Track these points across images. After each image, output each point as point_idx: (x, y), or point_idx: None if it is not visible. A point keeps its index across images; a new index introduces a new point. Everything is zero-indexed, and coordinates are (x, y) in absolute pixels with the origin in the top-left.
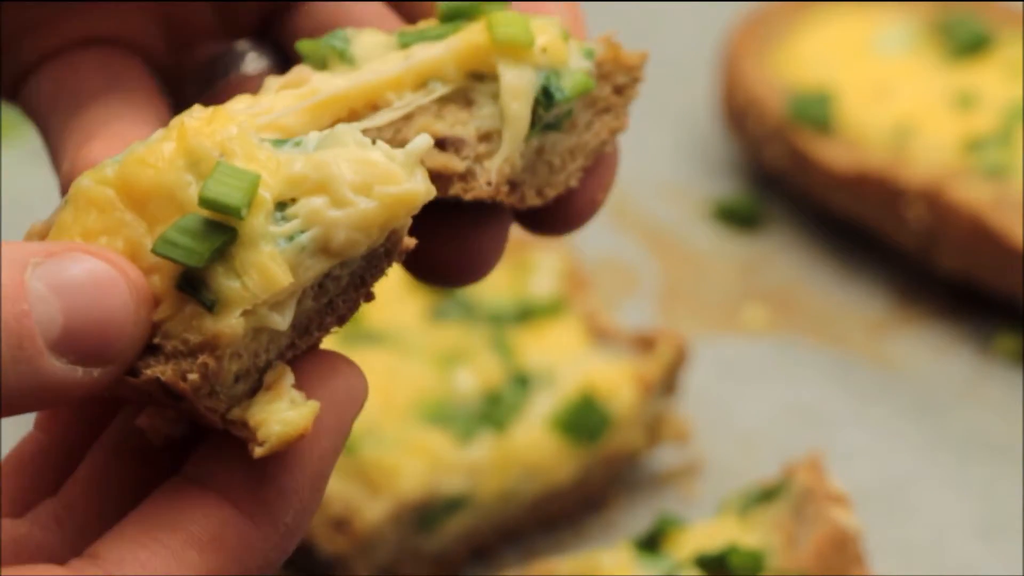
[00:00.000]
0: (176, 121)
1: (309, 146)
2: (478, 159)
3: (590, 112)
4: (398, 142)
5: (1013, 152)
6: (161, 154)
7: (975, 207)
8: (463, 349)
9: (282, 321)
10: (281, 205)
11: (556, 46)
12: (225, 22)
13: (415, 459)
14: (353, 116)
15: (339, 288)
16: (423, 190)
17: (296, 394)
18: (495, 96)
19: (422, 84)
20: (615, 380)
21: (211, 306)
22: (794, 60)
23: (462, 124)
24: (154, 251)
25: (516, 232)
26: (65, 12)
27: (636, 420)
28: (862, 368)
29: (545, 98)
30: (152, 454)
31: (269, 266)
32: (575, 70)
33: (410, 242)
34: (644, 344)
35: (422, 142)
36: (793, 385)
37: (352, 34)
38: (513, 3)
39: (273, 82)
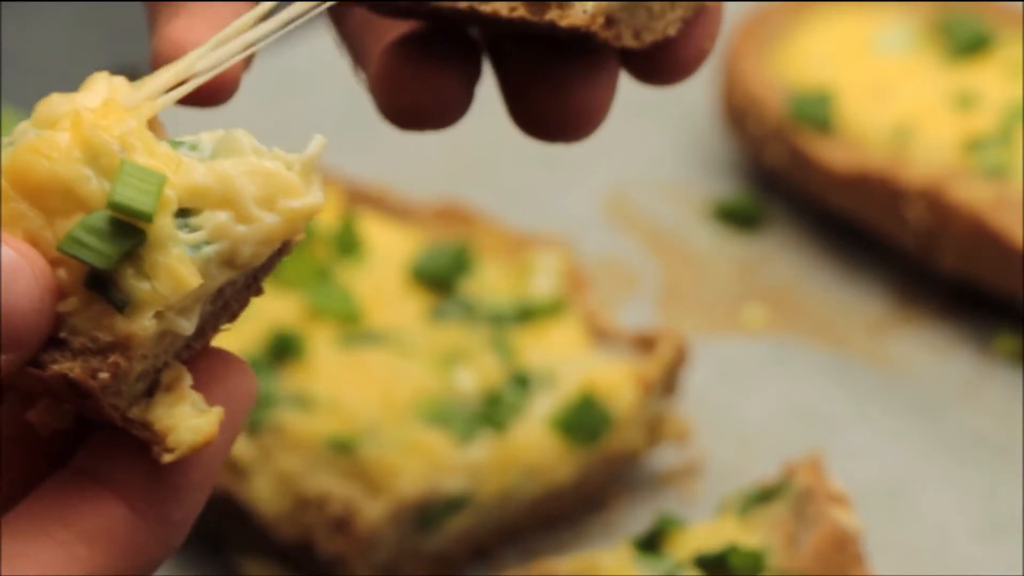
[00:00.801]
0: (69, 110)
1: (205, 150)
2: None
3: None
4: None
5: (1013, 152)
6: (56, 145)
7: (975, 207)
8: (463, 349)
9: (188, 326)
10: (184, 212)
11: None
12: None
13: (415, 459)
14: None
15: (234, 290)
16: (321, 201)
17: (197, 397)
18: None
19: None
20: (615, 380)
21: (122, 307)
22: (794, 60)
23: None
24: (60, 249)
25: (516, 232)
26: None
27: (636, 420)
28: (862, 368)
29: None
30: (39, 445)
31: (179, 269)
32: None
33: (300, 236)
34: (644, 344)
35: (316, 147)
36: (793, 385)
37: None
38: None
39: None
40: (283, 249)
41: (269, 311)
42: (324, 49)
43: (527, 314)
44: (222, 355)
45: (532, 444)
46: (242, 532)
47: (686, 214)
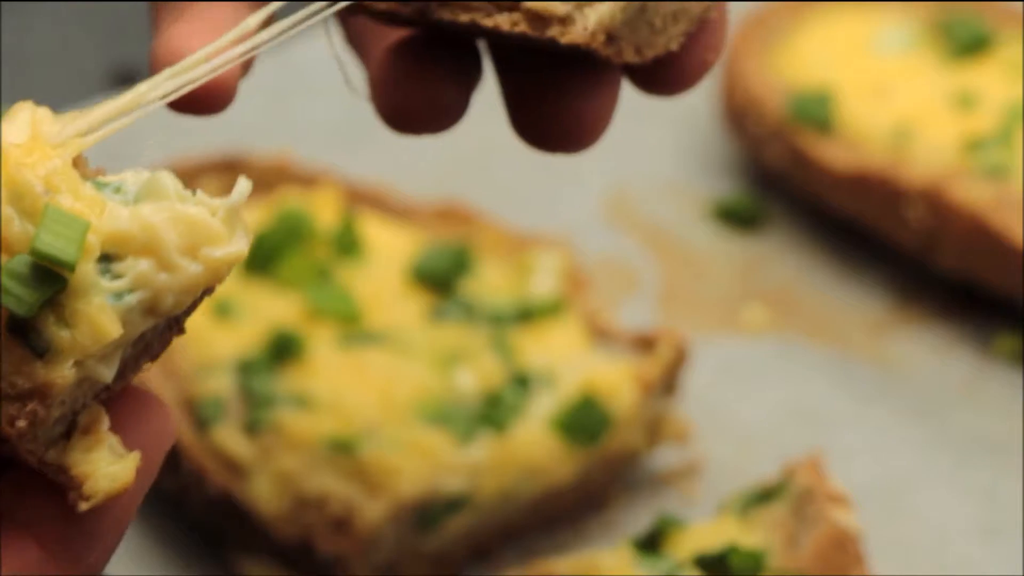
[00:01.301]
0: None
1: (129, 193)
2: (579, 5)
3: None
4: None
5: (1013, 152)
6: None
7: (975, 207)
8: (463, 349)
9: (108, 373)
10: (106, 257)
11: None
12: None
13: (415, 459)
14: None
15: (156, 333)
16: (245, 250)
17: (114, 441)
18: None
19: None
20: (615, 380)
21: (41, 353)
22: (794, 60)
23: None
24: None
25: (516, 232)
26: None
27: (636, 420)
28: (862, 368)
29: None
30: None
31: (100, 318)
32: None
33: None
34: (644, 344)
35: (240, 193)
36: (793, 385)
37: None
38: None
39: None
40: (206, 292)
41: (269, 311)
42: (324, 49)
43: (527, 314)
44: (141, 395)
45: (532, 444)
46: (242, 532)
47: (686, 214)
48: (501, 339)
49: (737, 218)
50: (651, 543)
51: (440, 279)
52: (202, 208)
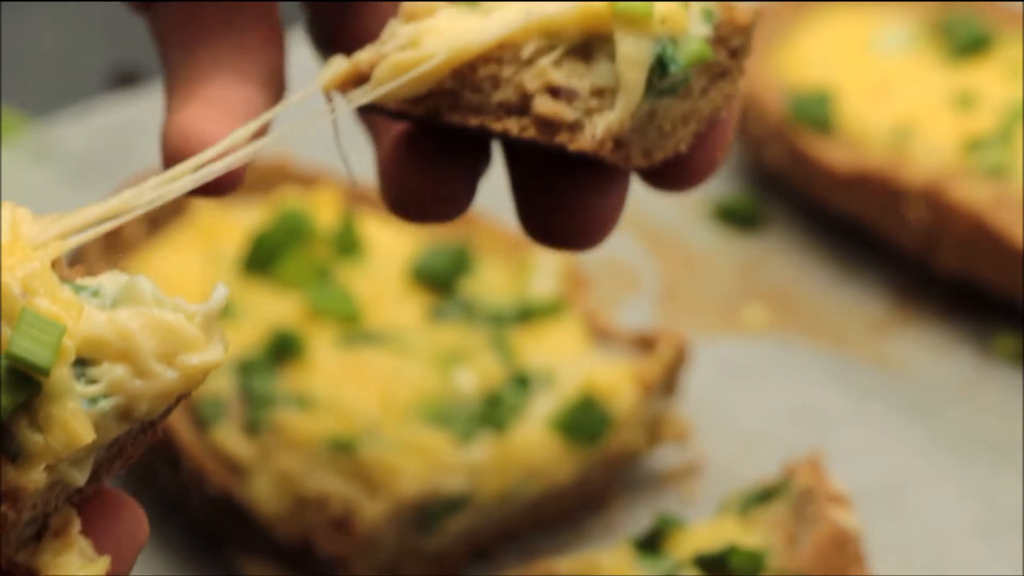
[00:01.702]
0: None
1: (107, 297)
2: (588, 112)
3: (705, 78)
4: (516, 85)
5: (1013, 152)
6: None
7: (975, 207)
8: (463, 349)
9: (81, 477)
10: (82, 361)
11: (675, 15)
12: None
13: (415, 459)
14: (477, 59)
15: (130, 437)
16: (221, 357)
17: (84, 544)
18: (613, 56)
19: (543, 35)
20: (615, 380)
21: (14, 457)
22: (794, 60)
23: (578, 76)
24: None
25: (516, 232)
26: None
27: (636, 420)
28: (862, 368)
29: (660, 67)
30: None
31: (73, 424)
32: (693, 38)
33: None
34: (644, 344)
35: (218, 299)
36: (793, 385)
37: None
38: None
39: (408, 5)
40: (181, 398)
41: (269, 311)
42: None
43: (527, 314)
44: (114, 497)
45: (532, 444)
46: (242, 532)
47: (686, 214)
48: (501, 339)
49: (737, 218)
50: (651, 543)
51: (440, 279)
52: (179, 314)
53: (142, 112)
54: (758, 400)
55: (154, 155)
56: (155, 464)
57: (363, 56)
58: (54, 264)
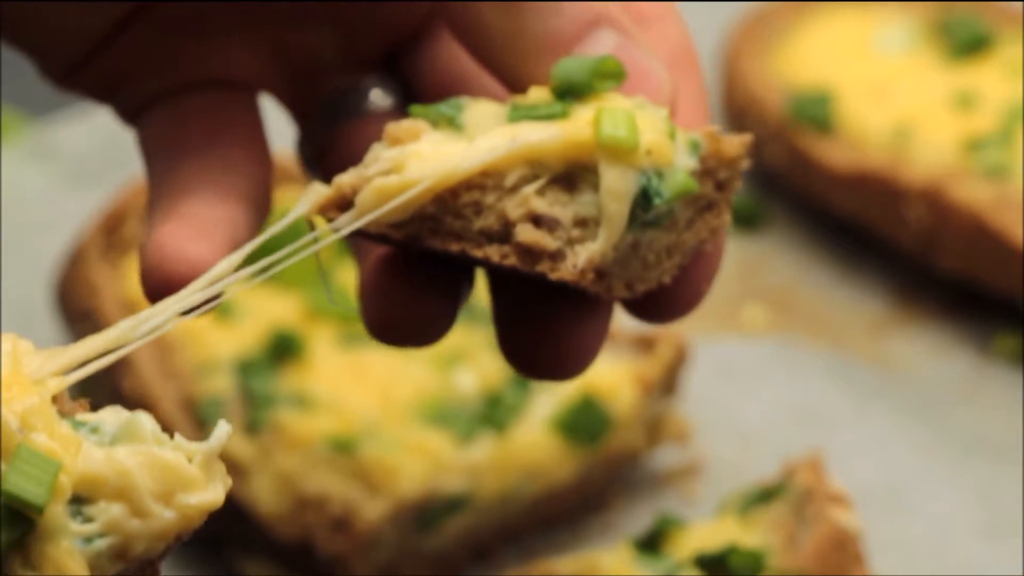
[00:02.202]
0: None
1: (106, 433)
2: (570, 242)
3: (691, 210)
4: (498, 212)
5: (1013, 152)
6: None
7: (975, 207)
8: (463, 349)
9: None
10: (78, 499)
11: (661, 147)
12: (345, 56)
13: (415, 459)
14: (460, 186)
15: (128, 573)
16: (220, 498)
17: None
18: (597, 186)
19: (527, 163)
20: (615, 381)
21: None
22: (794, 60)
23: (561, 205)
24: None
25: None
26: (180, 52)
27: (636, 420)
28: (862, 368)
29: (644, 199)
30: None
31: (66, 563)
32: (679, 170)
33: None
34: (644, 344)
35: (219, 437)
36: (793, 385)
37: (466, 103)
38: (626, 75)
39: (392, 128)
40: (179, 539)
41: (269, 311)
42: None
43: None
44: None
45: (532, 445)
46: (242, 532)
47: None
48: None
49: (737, 218)
50: (651, 543)
51: None
52: (179, 453)
53: None
54: (758, 400)
55: None
56: None
57: (345, 179)
58: (55, 398)
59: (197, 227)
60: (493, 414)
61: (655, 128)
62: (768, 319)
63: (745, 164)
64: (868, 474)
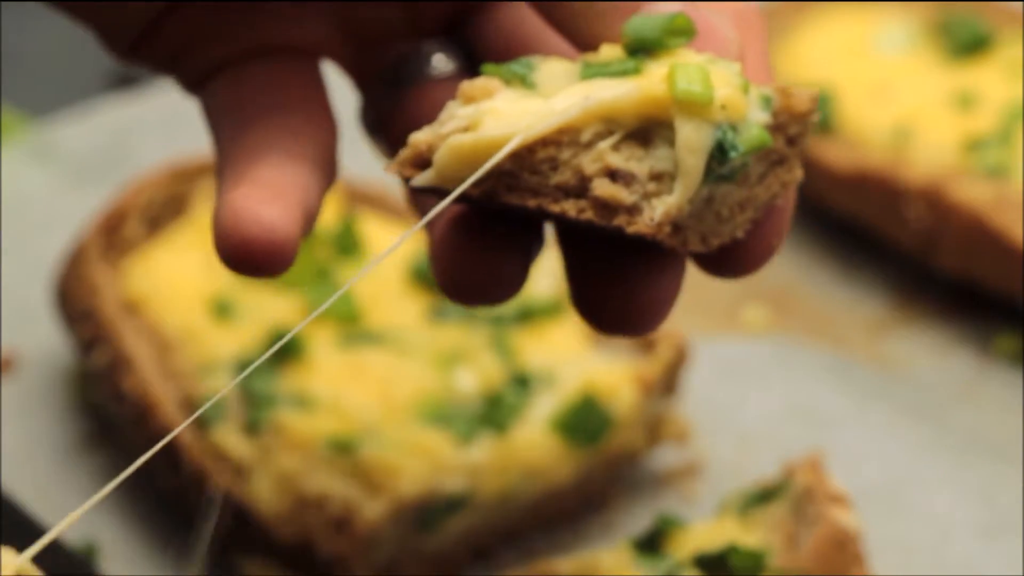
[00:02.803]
0: None
1: None
2: (646, 196)
3: (763, 164)
4: (574, 168)
5: (1013, 152)
6: None
7: (975, 207)
8: (463, 349)
9: None
10: None
11: (735, 101)
12: (411, 23)
13: (415, 459)
14: (536, 142)
15: None
16: None
17: None
18: (671, 141)
19: (602, 120)
20: (615, 381)
21: None
22: (794, 60)
23: (636, 160)
24: None
25: None
26: (243, 20)
27: (636, 420)
28: (862, 368)
29: (720, 153)
30: None
31: None
32: (752, 124)
33: None
34: (644, 344)
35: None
36: (793, 385)
37: (537, 62)
38: (694, 20)
39: (466, 86)
40: None
41: (269, 311)
42: None
43: (527, 314)
44: None
45: (532, 445)
46: (242, 532)
47: None
48: (501, 339)
49: None
50: (651, 543)
51: None
52: None
53: (142, 112)
54: (758, 400)
55: (154, 155)
56: (155, 464)
57: (421, 137)
58: None
59: (269, 190)
60: (493, 414)
61: (729, 83)
62: (768, 319)
63: (815, 118)
64: (868, 474)
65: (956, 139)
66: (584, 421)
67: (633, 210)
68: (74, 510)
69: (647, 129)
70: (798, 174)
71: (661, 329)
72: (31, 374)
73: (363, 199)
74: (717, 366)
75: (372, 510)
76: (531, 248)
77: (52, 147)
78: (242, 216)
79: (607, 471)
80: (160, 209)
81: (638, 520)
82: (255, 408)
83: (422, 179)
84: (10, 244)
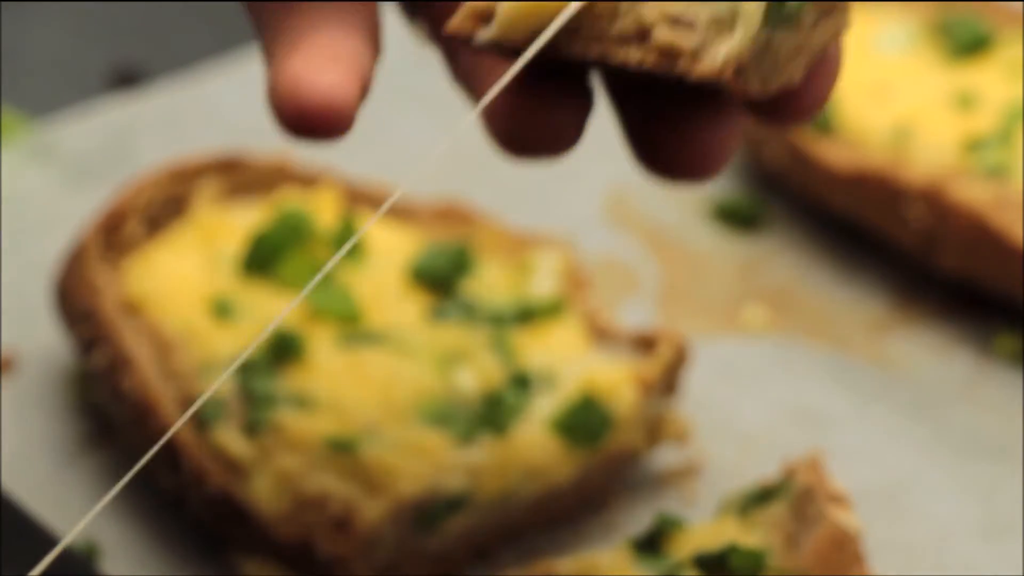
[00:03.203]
0: None
1: None
2: (707, 41)
3: (816, 12)
4: (634, 16)
5: (1013, 152)
6: None
7: (975, 207)
8: (463, 349)
9: None
10: None
11: None
12: None
13: (415, 459)
14: None
15: None
16: None
17: None
18: None
19: None
20: (615, 381)
21: None
22: None
23: (696, 7)
24: None
25: (516, 232)
26: None
27: (636, 420)
28: (862, 368)
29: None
30: None
31: None
32: None
33: None
34: (644, 344)
35: None
36: (793, 385)
37: None
38: None
39: None
40: None
41: (269, 311)
42: None
43: (527, 314)
44: None
45: (532, 445)
46: (242, 532)
47: (686, 214)
48: (501, 339)
49: (737, 218)
50: (651, 543)
51: (440, 279)
52: None
53: (142, 112)
54: (758, 400)
55: (154, 155)
56: (155, 464)
57: None
58: None
59: (327, 56)
60: (493, 414)
61: None
62: (768, 319)
63: None
64: (868, 474)
65: (956, 139)
66: (584, 421)
67: (695, 54)
68: (74, 510)
69: None
70: (846, 21)
71: (661, 329)
72: (31, 374)
73: (363, 199)
74: (717, 366)
75: (372, 510)
76: (585, 103)
77: (52, 147)
78: (302, 81)
79: (607, 471)
80: (160, 209)
81: (638, 520)
82: (255, 408)
83: (486, 34)
84: (10, 244)
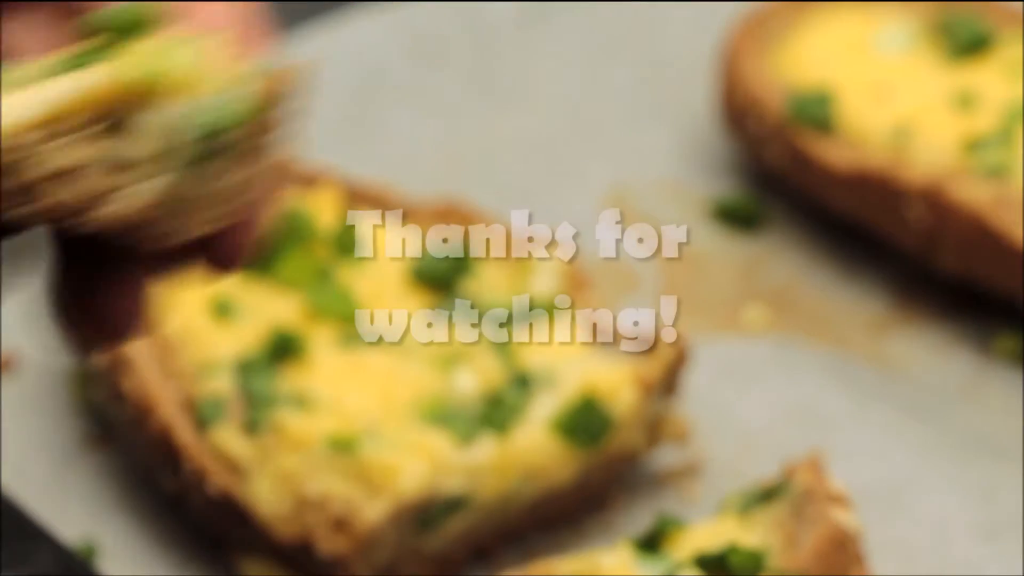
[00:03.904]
0: None
1: None
2: (110, 189)
3: (236, 151)
4: (30, 167)
5: (1013, 152)
6: None
7: (975, 207)
8: (463, 349)
9: None
10: None
11: (201, 80)
12: None
13: (415, 459)
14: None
15: None
16: None
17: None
18: (135, 127)
19: (48, 121)
20: (615, 381)
21: None
22: (794, 60)
23: (97, 151)
24: None
25: (516, 232)
26: None
27: (636, 421)
28: (862, 368)
29: (198, 137)
30: None
31: None
32: (224, 104)
33: None
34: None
35: None
36: (793, 385)
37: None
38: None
39: None
40: None
41: (269, 311)
42: (324, 48)
43: (527, 314)
44: None
45: (532, 445)
46: (242, 532)
47: (686, 214)
48: (501, 339)
49: (737, 218)
50: (651, 543)
51: (440, 279)
52: None
53: None
54: (758, 400)
55: None
56: (155, 464)
57: None
58: None
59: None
60: (493, 414)
61: (198, 62)
62: (768, 319)
63: (295, 103)
64: (868, 474)
65: (956, 139)
66: (584, 421)
67: (91, 205)
68: (74, 510)
69: (112, 116)
70: (265, 171)
71: (661, 329)
72: (31, 374)
73: (363, 199)
74: (717, 366)
75: (372, 510)
76: (132, 277)
77: None
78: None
79: (607, 471)
80: None
81: (638, 520)
82: (255, 408)
83: None
84: (10, 244)
